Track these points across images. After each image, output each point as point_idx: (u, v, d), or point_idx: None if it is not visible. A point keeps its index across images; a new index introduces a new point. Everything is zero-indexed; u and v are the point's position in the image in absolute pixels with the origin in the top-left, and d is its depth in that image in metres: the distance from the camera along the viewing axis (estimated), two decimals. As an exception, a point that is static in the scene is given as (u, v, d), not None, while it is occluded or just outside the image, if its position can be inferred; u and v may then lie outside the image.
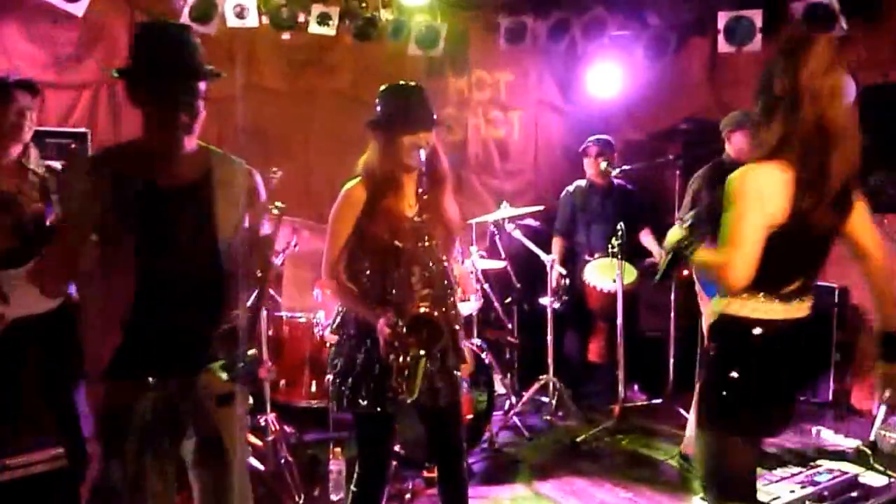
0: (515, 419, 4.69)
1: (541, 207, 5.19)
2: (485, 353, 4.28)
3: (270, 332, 3.96)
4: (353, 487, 2.67)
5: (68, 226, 2.11)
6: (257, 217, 2.13)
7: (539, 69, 6.28)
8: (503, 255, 5.03)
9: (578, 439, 4.44)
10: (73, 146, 4.32)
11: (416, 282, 2.54)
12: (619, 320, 4.60)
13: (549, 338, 4.89)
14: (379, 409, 2.55)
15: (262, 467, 3.63)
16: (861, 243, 2.32)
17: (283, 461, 3.73)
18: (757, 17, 5.04)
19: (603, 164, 5.02)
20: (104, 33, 4.66)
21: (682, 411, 4.52)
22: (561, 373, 4.99)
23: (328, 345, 2.80)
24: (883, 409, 4.10)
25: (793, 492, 3.08)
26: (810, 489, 3.09)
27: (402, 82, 2.69)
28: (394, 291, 2.56)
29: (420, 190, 2.55)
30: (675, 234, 2.45)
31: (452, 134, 5.99)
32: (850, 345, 5.07)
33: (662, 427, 4.63)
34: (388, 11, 5.18)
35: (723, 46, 5.14)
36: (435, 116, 2.63)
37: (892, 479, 3.30)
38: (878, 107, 4.92)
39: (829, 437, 4.45)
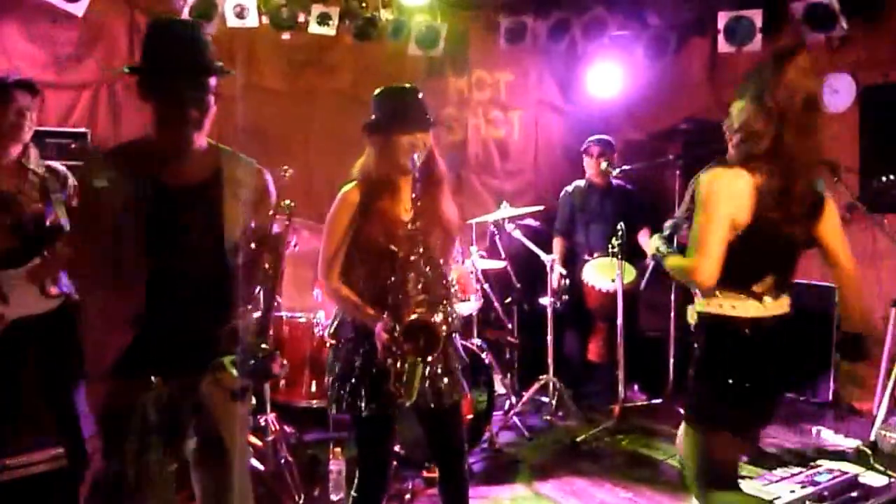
0: (515, 419, 4.69)
1: (541, 207, 5.19)
2: (485, 353, 4.28)
3: (271, 332, 3.95)
4: (353, 492, 2.66)
5: (86, 224, 2.11)
6: (267, 215, 2.12)
7: (539, 69, 6.28)
8: (503, 255, 5.03)
9: (578, 439, 4.44)
10: (72, 146, 4.32)
11: (412, 288, 2.53)
12: (620, 320, 4.60)
13: (549, 338, 4.89)
14: (377, 411, 2.54)
15: (262, 467, 3.63)
16: (830, 249, 2.44)
17: (283, 461, 3.73)
18: (757, 17, 5.04)
19: (603, 164, 5.03)
20: (104, 33, 4.66)
21: (683, 411, 4.51)
22: (561, 373, 4.99)
23: (328, 345, 2.79)
24: (883, 409, 4.11)
25: (793, 492, 3.08)
26: (810, 489, 3.09)
27: (396, 84, 2.68)
28: (390, 296, 2.54)
29: (414, 194, 2.52)
30: (654, 242, 2.60)
31: (452, 134, 6.00)
32: (849, 345, 5.07)
33: (662, 427, 4.63)
34: (388, 11, 5.18)
35: (723, 46, 5.15)
36: (431, 118, 2.62)
37: (893, 480, 3.30)
38: (878, 107, 4.93)
39: (830, 437, 4.44)
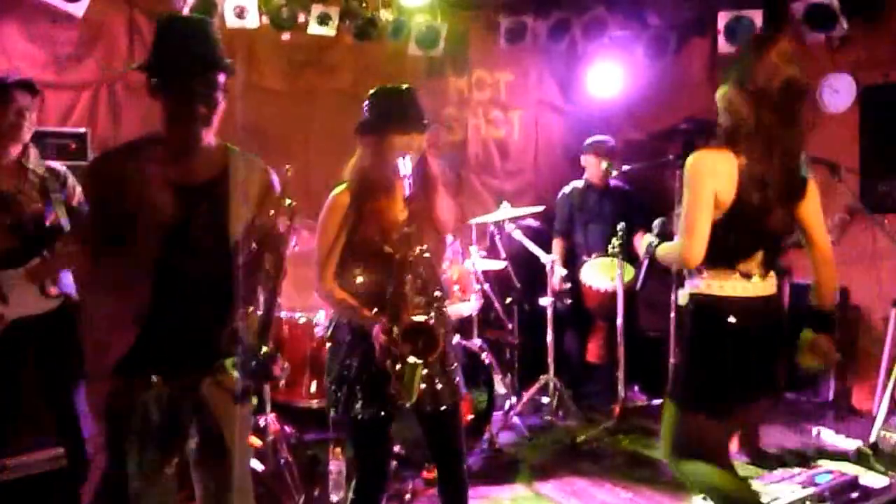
0: (515, 419, 4.69)
1: (541, 207, 5.19)
2: (485, 353, 4.28)
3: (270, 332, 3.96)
4: (350, 493, 2.65)
5: (95, 221, 2.11)
6: (270, 215, 2.11)
7: (539, 69, 6.28)
8: (503, 255, 5.03)
9: (579, 439, 4.44)
10: (72, 146, 4.32)
11: (410, 289, 2.52)
12: (620, 320, 4.59)
13: (550, 338, 4.89)
14: (375, 413, 2.53)
15: (262, 467, 3.63)
16: (809, 229, 2.52)
17: (282, 461, 3.73)
18: (757, 16, 5.04)
19: (604, 165, 5.02)
20: (104, 33, 4.66)
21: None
22: (561, 373, 4.99)
23: (328, 345, 2.78)
24: (884, 409, 4.11)
25: (793, 492, 3.08)
26: (811, 489, 3.09)
27: (391, 85, 2.66)
28: (387, 297, 2.53)
29: (408, 195, 2.51)
30: (645, 239, 2.73)
31: (452, 134, 5.99)
32: (850, 345, 5.07)
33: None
34: (388, 11, 5.18)
35: (723, 46, 5.14)
36: (426, 120, 2.60)
37: (893, 480, 3.30)
38: (878, 107, 4.93)
39: (830, 437, 4.44)
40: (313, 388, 4.08)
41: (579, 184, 5.29)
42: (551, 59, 6.17)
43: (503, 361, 5.21)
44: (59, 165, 3.31)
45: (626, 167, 5.01)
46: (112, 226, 2.06)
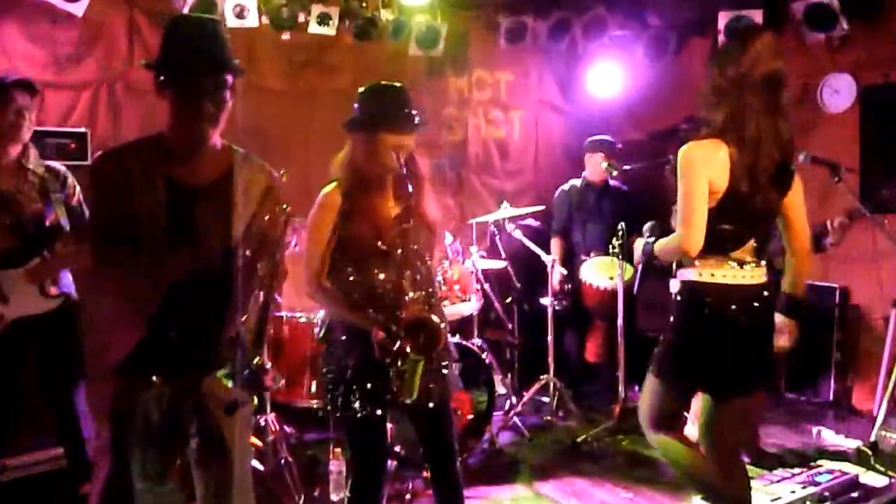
0: (516, 419, 4.69)
1: (541, 207, 5.19)
2: (485, 353, 4.28)
3: (270, 332, 3.95)
4: (348, 493, 2.64)
5: (97, 221, 2.10)
6: (268, 219, 2.09)
7: (539, 69, 6.27)
8: (503, 255, 5.03)
9: (579, 439, 4.44)
10: (72, 146, 4.32)
11: (409, 285, 2.52)
12: (620, 320, 4.59)
13: (550, 338, 4.88)
14: (371, 412, 2.52)
15: (262, 467, 3.62)
16: (790, 219, 2.61)
17: (283, 461, 3.73)
18: (757, 16, 5.04)
19: (604, 164, 5.02)
20: (104, 33, 4.65)
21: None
22: (561, 373, 4.99)
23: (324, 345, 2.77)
24: (884, 409, 4.11)
25: (793, 492, 3.09)
26: (811, 489, 3.10)
27: (384, 82, 2.65)
28: (384, 294, 2.53)
29: (401, 192, 2.51)
30: (639, 243, 2.77)
31: (452, 134, 5.99)
32: (850, 345, 5.08)
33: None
34: (389, 11, 5.17)
35: (723, 46, 5.14)
36: (419, 119, 2.59)
37: (893, 480, 3.30)
38: (878, 107, 4.93)
39: (830, 437, 4.44)
40: (313, 388, 4.07)
41: (577, 182, 5.28)
42: (551, 58, 6.17)
43: (503, 361, 5.21)
44: (58, 165, 3.31)
45: (626, 167, 5.01)
46: (114, 225, 2.05)
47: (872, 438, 4.02)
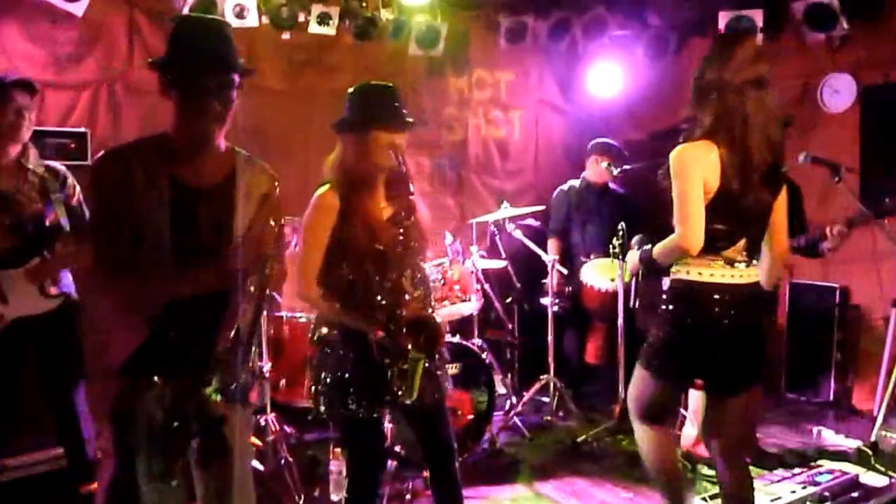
0: (516, 419, 4.68)
1: (541, 207, 5.19)
2: (485, 353, 4.28)
3: (271, 332, 3.96)
4: (345, 493, 2.64)
5: (102, 220, 2.10)
6: (265, 226, 2.08)
7: (540, 69, 6.27)
8: (503, 255, 5.02)
9: (579, 439, 4.44)
10: (72, 146, 4.32)
11: (409, 285, 2.51)
12: (620, 321, 4.59)
13: (550, 338, 4.88)
14: (368, 413, 2.51)
15: (262, 467, 3.63)
16: (773, 221, 2.64)
17: (283, 461, 3.73)
18: (757, 16, 5.03)
19: (604, 164, 5.01)
20: (104, 33, 4.65)
21: (682, 410, 4.52)
22: (561, 373, 4.99)
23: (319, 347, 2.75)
24: (884, 409, 4.11)
25: (794, 492, 3.09)
26: (811, 489, 3.10)
27: (373, 82, 2.64)
28: (381, 295, 2.52)
29: (394, 192, 2.51)
30: (632, 256, 2.84)
31: (453, 134, 5.99)
32: (850, 345, 5.08)
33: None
34: (389, 11, 5.18)
35: (723, 46, 5.13)
36: (410, 118, 2.59)
37: (893, 480, 3.30)
38: (878, 107, 4.93)
39: (830, 437, 4.44)
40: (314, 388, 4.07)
41: (576, 183, 5.28)
42: (551, 58, 6.16)
43: (503, 361, 5.21)
44: (58, 165, 3.30)
45: (626, 167, 5.01)
46: (114, 225, 2.05)
47: (872, 438, 4.02)
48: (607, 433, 4.53)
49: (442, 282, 4.14)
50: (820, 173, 3.96)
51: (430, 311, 2.49)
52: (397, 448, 3.70)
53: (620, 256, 4.49)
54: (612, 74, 5.93)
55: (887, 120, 4.85)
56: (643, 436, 2.80)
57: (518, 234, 4.89)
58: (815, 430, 4.55)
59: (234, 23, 4.59)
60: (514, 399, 4.87)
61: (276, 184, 2.23)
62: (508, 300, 5.27)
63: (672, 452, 2.87)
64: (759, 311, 2.67)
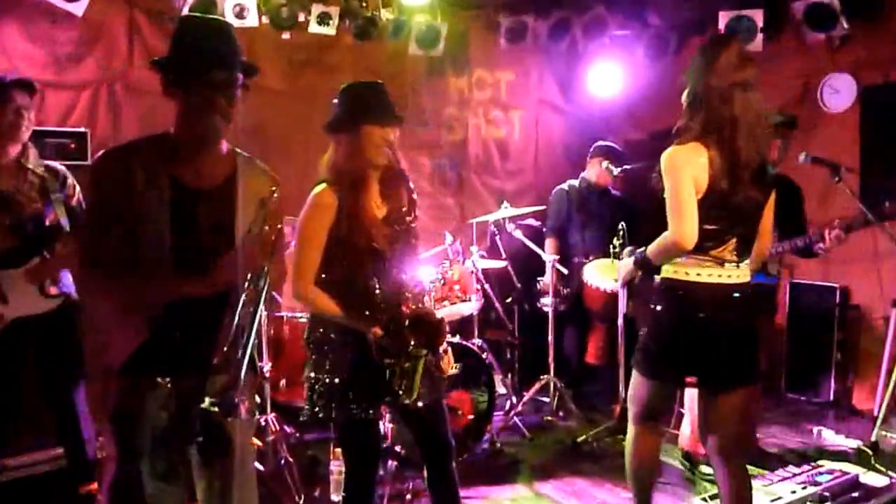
0: (516, 419, 4.68)
1: (541, 207, 5.19)
2: (485, 353, 4.28)
3: (271, 332, 3.96)
4: (343, 492, 2.63)
5: (97, 218, 2.09)
6: (265, 229, 2.05)
7: (540, 69, 6.28)
8: (504, 255, 5.03)
9: (579, 439, 4.44)
10: (72, 146, 4.32)
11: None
12: (620, 321, 4.59)
13: (550, 338, 4.88)
14: (363, 414, 2.51)
15: (262, 467, 3.62)
16: (760, 226, 2.67)
17: (283, 461, 3.73)
18: (757, 16, 5.04)
19: (604, 164, 5.01)
20: (104, 33, 4.66)
21: (682, 410, 4.52)
22: (562, 373, 4.99)
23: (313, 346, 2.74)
24: (884, 409, 4.11)
25: (794, 492, 3.08)
26: (811, 489, 3.09)
27: (361, 80, 2.64)
28: (379, 294, 2.52)
29: (386, 190, 2.51)
30: (624, 264, 2.89)
31: (453, 134, 5.99)
32: (850, 345, 5.08)
33: (662, 427, 4.62)
34: (389, 11, 5.18)
35: (723, 46, 5.13)
36: (399, 115, 2.58)
37: (893, 480, 3.30)
38: (878, 107, 4.93)
39: (830, 437, 4.45)
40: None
41: (576, 183, 5.26)
42: (552, 58, 6.17)
43: (503, 361, 5.21)
44: (58, 165, 3.30)
45: (626, 167, 5.00)
46: (110, 225, 2.04)
47: (873, 438, 4.02)
48: (607, 433, 4.53)
49: (442, 282, 4.14)
50: (820, 173, 3.96)
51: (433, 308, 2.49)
52: (397, 448, 3.70)
53: (621, 257, 4.50)
54: (612, 74, 5.93)
55: (887, 120, 4.85)
56: (632, 436, 2.87)
57: (518, 234, 4.89)
58: (815, 430, 4.55)
59: (234, 23, 4.59)
60: (514, 399, 4.87)
61: (277, 185, 2.22)
62: (508, 300, 5.27)
63: (654, 458, 2.92)
64: (751, 310, 2.68)
